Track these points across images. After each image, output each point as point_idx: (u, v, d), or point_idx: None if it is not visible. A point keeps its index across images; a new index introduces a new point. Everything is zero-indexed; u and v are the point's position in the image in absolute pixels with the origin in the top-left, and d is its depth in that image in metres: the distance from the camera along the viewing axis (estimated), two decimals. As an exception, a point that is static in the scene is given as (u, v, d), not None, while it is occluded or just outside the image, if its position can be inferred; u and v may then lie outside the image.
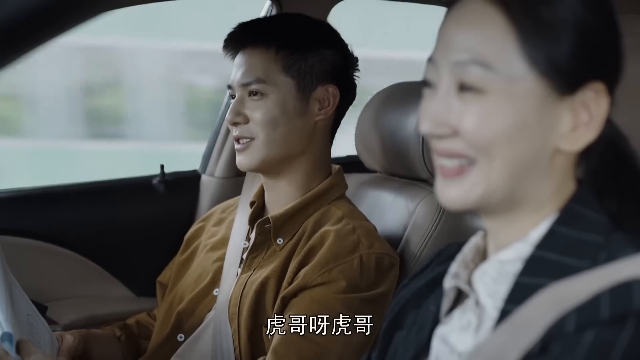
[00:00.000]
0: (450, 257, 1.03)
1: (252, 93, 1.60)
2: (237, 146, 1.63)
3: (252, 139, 1.60)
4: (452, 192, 0.90)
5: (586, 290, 0.83)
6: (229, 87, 1.66)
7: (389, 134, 1.72)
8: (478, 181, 0.89)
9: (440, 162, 0.92)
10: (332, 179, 1.65)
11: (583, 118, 0.88)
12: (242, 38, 1.64)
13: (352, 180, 1.85)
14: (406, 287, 1.08)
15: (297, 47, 1.61)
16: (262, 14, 2.14)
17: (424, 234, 1.63)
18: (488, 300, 0.92)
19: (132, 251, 2.17)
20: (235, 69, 1.64)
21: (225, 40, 1.66)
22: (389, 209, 1.73)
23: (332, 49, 1.64)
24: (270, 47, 1.60)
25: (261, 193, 1.69)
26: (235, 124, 1.61)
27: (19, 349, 1.33)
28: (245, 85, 1.61)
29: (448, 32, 0.91)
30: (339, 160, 1.80)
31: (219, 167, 2.23)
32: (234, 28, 1.66)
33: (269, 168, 1.63)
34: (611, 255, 0.86)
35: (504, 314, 0.88)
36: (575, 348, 0.80)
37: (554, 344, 0.82)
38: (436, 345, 0.97)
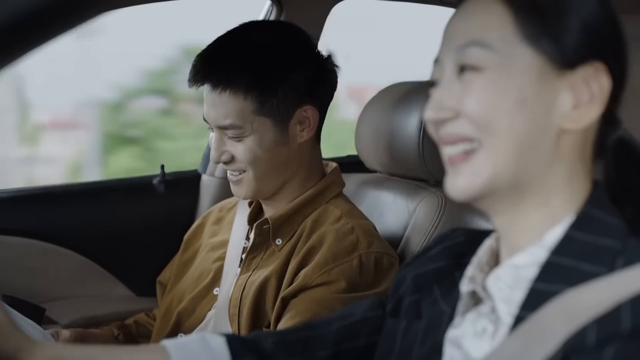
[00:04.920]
0: (456, 245, 1.03)
1: (229, 135, 1.58)
2: (229, 177, 1.63)
3: (243, 171, 1.60)
4: (459, 180, 0.90)
5: (605, 299, 0.82)
6: (204, 119, 1.62)
7: (389, 134, 1.72)
8: (484, 163, 0.89)
9: (447, 152, 0.92)
10: (328, 178, 1.65)
11: (584, 96, 0.89)
12: (206, 78, 1.59)
13: (352, 180, 1.85)
14: (407, 269, 1.08)
15: (264, 85, 1.56)
16: (262, 14, 2.14)
17: (424, 233, 1.63)
18: (503, 306, 0.91)
19: (133, 251, 2.17)
20: (207, 105, 1.60)
21: (190, 77, 1.61)
22: (389, 209, 1.73)
23: (301, 68, 1.59)
24: (237, 92, 1.56)
25: None
26: (221, 162, 1.60)
27: None
28: (221, 127, 1.58)
29: (451, 26, 0.94)
30: (339, 160, 1.80)
31: (219, 167, 2.23)
32: (194, 62, 1.61)
33: (265, 195, 1.64)
34: (628, 261, 0.85)
35: (519, 320, 0.88)
36: None
37: (574, 357, 0.81)
38: (449, 349, 0.96)
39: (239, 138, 1.57)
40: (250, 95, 1.55)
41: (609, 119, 0.92)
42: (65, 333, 1.62)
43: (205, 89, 1.59)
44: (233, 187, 1.63)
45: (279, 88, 1.56)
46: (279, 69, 1.57)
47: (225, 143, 1.59)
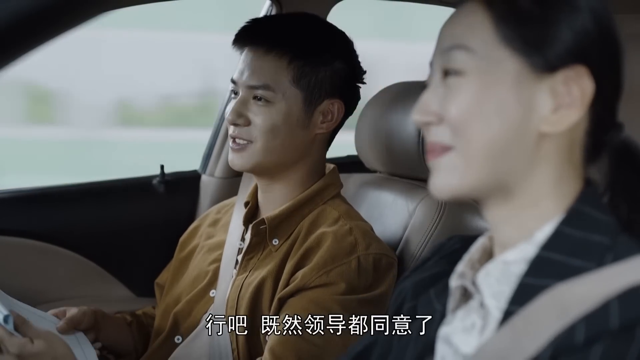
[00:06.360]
0: (454, 252, 1.03)
1: (257, 97, 1.58)
2: (232, 145, 1.61)
3: (250, 142, 1.59)
4: (436, 180, 0.92)
5: (593, 295, 0.82)
6: (233, 82, 1.62)
7: (389, 134, 1.72)
8: (454, 164, 0.90)
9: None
10: (326, 178, 1.65)
11: (564, 99, 0.89)
12: (254, 38, 1.61)
13: (352, 180, 1.85)
14: (407, 280, 1.08)
15: (310, 59, 1.58)
16: (261, 13, 2.13)
17: (424, 234, 1.63)
18: (492, 301, 0.92)
19: (132, 251, 2.17)
20: (242, 65, 1.60)
21: (237, 36, 1.63)
22: (389, 209, 1.73)
23: (344, 63, 1.62)
24: (283, 55, 1.58)
25: (255, 193, 1.69)
26: (235, 124, 1.60)
27: (17, 329, 1.35)
28: (251, 87, 1.59)
29: (441, 31, 0.95)
30: (339, 160, 1.80)
31: (219, 167, 2.23)
32: (247, 23, 1.63)
33: (262, 172, 1.63)
34: (617, 257, 0.86)
35: (507, 314, 0.88)
36: None
37: (563, 358, 0.81)
38: (440, 347, 0.97)
39: (266, 103, 1.57)
40: (294, 64, 1.57)
41: (600, 122, 0.91)
42: (73, 310, 1.58)
43: (247, 51, 1.61)
44: (232, 155, 1.61)
45: (321, 68, 1.59)
46: (327, 51, 1.61)
47: (248, 107, 1.59)
